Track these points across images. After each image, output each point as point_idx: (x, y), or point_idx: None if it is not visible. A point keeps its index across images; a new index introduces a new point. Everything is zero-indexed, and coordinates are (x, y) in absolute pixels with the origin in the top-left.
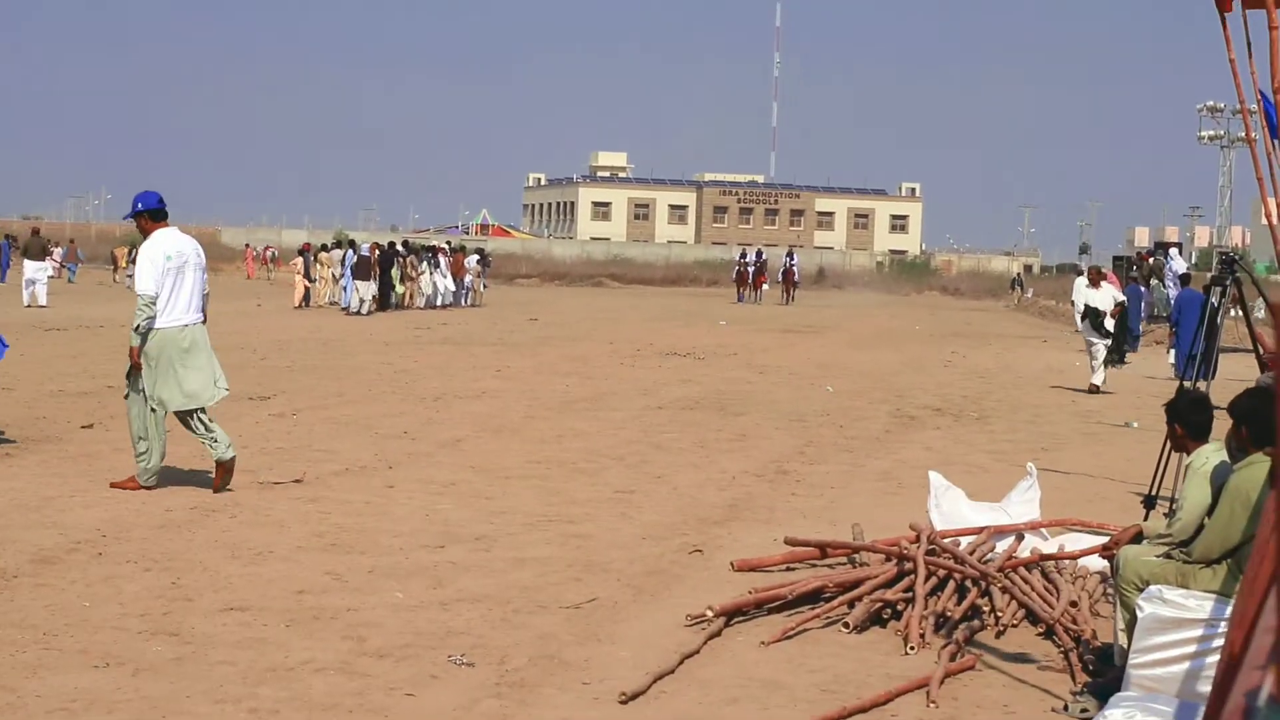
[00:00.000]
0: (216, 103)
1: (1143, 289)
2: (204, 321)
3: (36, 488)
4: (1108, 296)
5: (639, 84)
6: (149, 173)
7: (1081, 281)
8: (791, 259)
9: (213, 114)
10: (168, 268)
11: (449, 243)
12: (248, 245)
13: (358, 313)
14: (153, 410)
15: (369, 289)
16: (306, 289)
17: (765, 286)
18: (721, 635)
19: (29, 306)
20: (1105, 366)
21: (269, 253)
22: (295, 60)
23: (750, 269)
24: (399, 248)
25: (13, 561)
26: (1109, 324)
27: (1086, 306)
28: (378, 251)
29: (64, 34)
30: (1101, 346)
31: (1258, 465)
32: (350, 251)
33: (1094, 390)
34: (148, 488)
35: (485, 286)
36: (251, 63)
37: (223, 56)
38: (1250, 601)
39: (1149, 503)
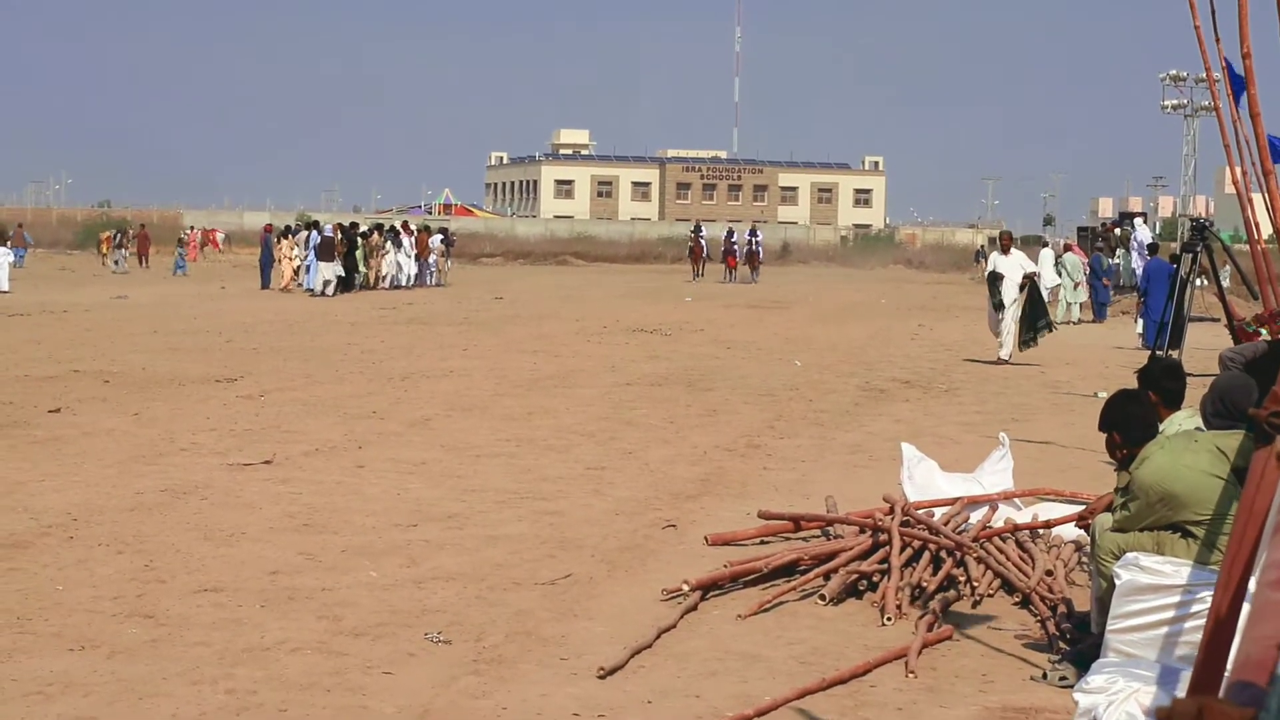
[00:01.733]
0: (177, 86)
1: (1111, 261)
2: None
3: (5, 472)
4: (1016, 265)
5: (600, 61)
6: (110, 157)
7: (995, 254)
8: (755, 236)
9: (173, 98)
10: None
11: (422, 223)
12: (191, 228)
13: (322, 294)
14: None
15: (333, 270)
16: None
17: (738, 265)
18: (698, 609)
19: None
20: (1023, 339)
21: (217, 235)
22: (255, 43)
23: (722, 248)
24: (364, 228)
25: None
26: (1009, 294)
27: (990, 273)
28: (339, 233)
29: (22, 16)
30: (1008, 317)
31: (1227, 437)
32: (315, 233)
33: (1000, 362)
34: None
35: (450, 266)
36: (212, 46)
37: (183, 40)
38: (1237, 564)
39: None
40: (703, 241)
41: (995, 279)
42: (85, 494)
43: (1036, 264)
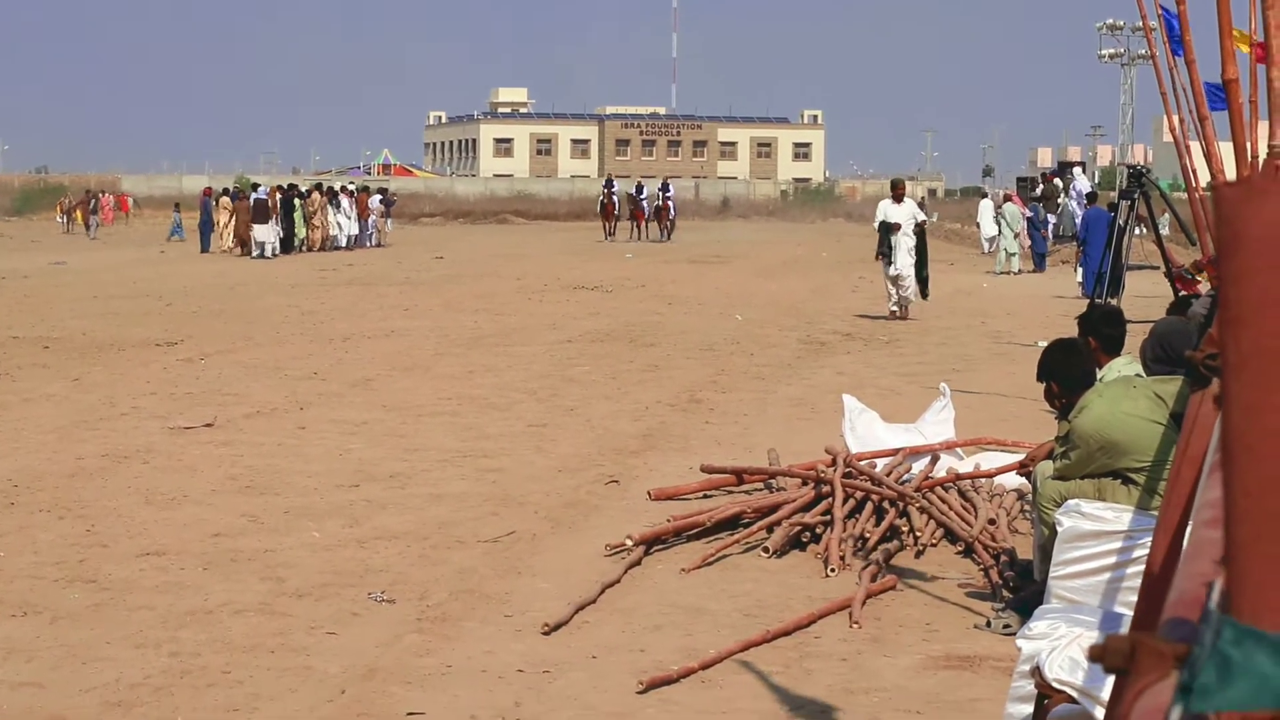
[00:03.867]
0: (113, 50)
1: (1049, 216)
2: None
3: None
4: (908, 213)
5: (538, 19)
6: (45, 121)
7: (885, 202)
8: (667, 191)
9: (109, 60)
10: None
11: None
12: (103, 193)
13: (260, 256)
14: None
15: (268, 232)
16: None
17: (645, 223)
18: (641, 564)
19: None
20: (906, 293)
21: (127, 199)
22: (192, 5)
23: (627, 202)
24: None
25: None
26: (903, 244)
27: (881, 223)
28: (278, 194)
29: None
30: (900, 267)
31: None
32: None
33: (893, 316)
34: None
35: (390, 226)
36: (148, 9)
37: (118, 3)
38: (1173, 507)
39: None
40: (615, 198)
41: (886, 229)
42: (26, 460)
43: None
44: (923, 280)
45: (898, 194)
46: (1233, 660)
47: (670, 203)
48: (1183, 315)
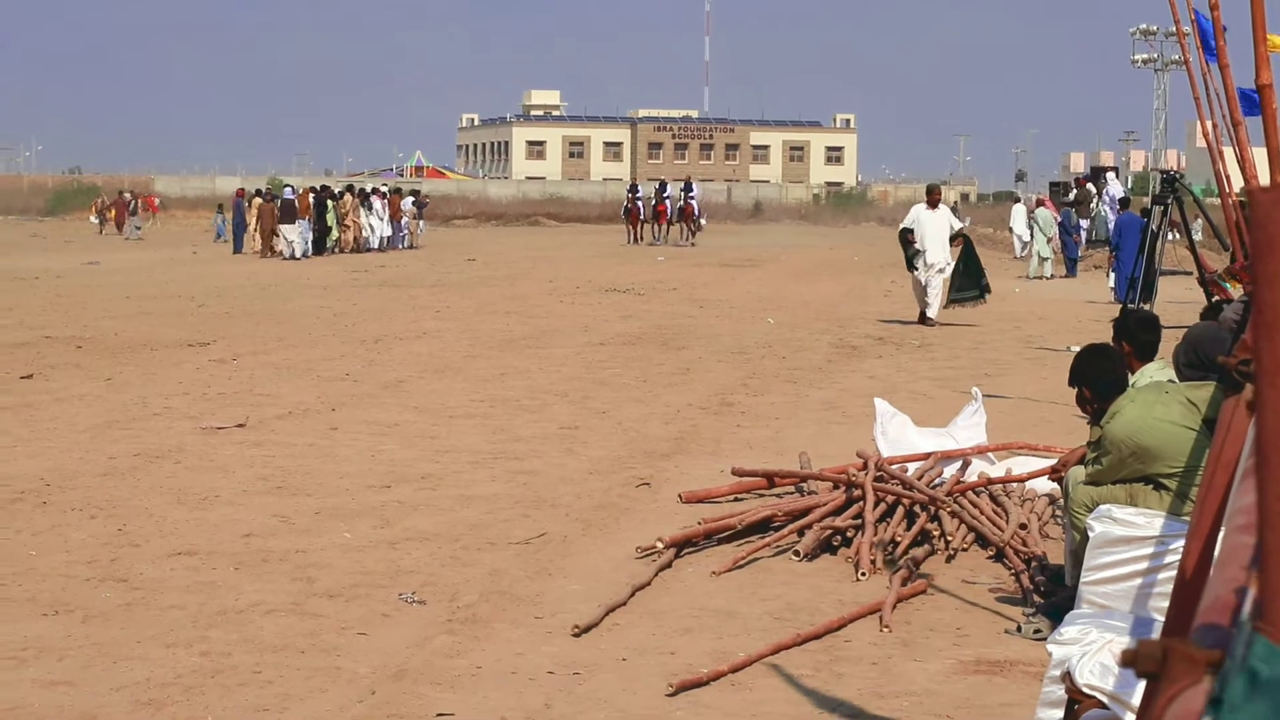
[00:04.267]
0: (147, 51)
1: (1081, 221)
2: None
3: None
4: (943, 221)
5: (571, 21)
6: (80, 122)
7: (919, 206)
8: (690, 191)
9: (144, 62)
10: None
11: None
12: (121, 193)
13: (291, 257)
14: None
15: (295, 232)
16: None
17: (667, 224)
18: (672, 567)
19: None
20: (954, 297)
21: (154, 200)
22: (226, 8)
23: (651, 203)
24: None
25: None
26: (934, 254)
27: (903, 229)
28: (311, 195)
29: None
30: (928, 275)
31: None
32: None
33: (923, 321)
34: None
35: (422, 229)
36: (183, 11)
37: (154, 5)
38: (1206, 512)
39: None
40: (639, 203)
41: (905, 236)
42: (58, 459)
43: (1010, 220)
44: (976, 290)
45: (933, 199)
46: (1260, 676)
47: (694, 203)
48: (1215, 321)
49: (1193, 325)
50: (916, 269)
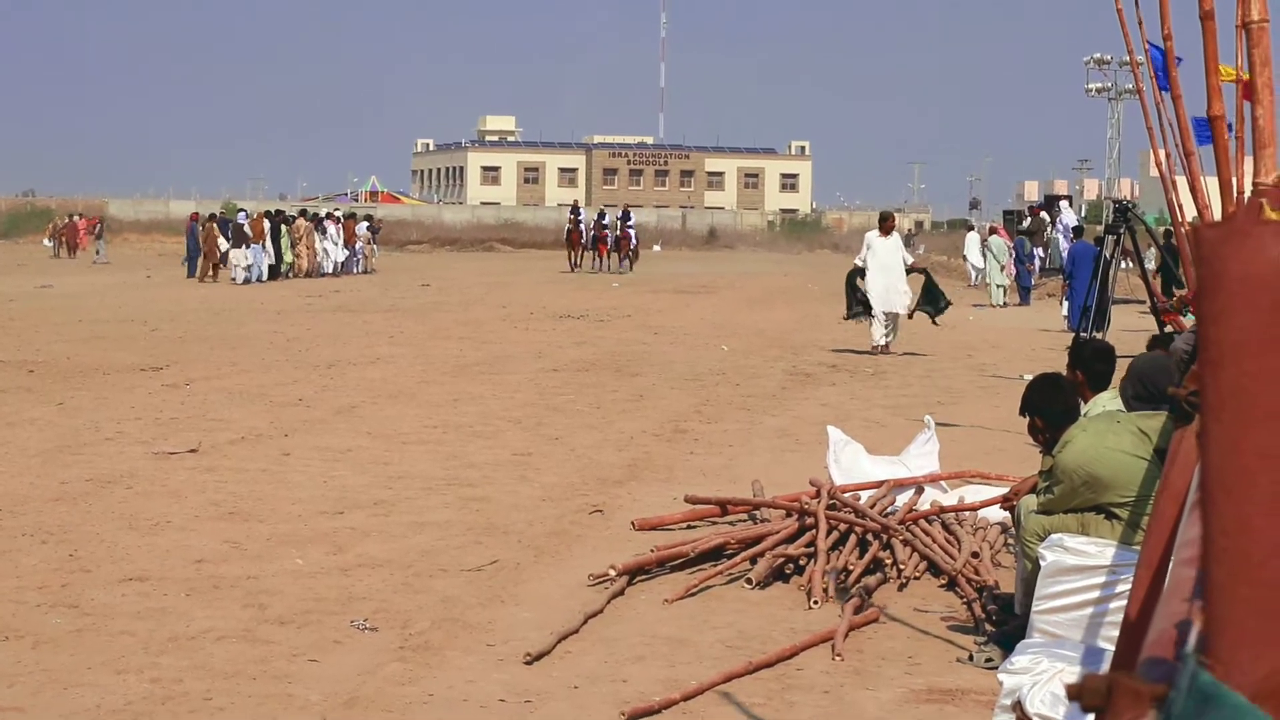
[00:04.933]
0: (101, 74)
1: (1035, 250)
2: None
3: None
4: (896, 250)
5: (526, 47)
6: (33, 145)
7: (872, 234)
8: (628, 220)
9: (99, 86)
10: None
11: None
12: (79, 216)
13: (246, 281)
14: None
15: (244, 256)
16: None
17: (607, 253)
18: (624, 594)
19: None
20: (924, 309)
21: (95, 225)
22: (179, 30)
23: (589, 230)
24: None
25: None
26: (883, 289)
27: (852, 272)
28: (265, 221)
29: None
30: (894, 306)
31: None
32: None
33: (875, 351)
34: None
35: (377, 253)
36: (135, 33)
37: (106, 26)
38: (1155, 543)
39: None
40: (582, 226)
41: (854, 275)
42: (9, 484)
43: (964, 248)
44: (938, 308)
45: (886, 227)
46: (1205, 710)
47: (631, 231)
48: (1165, 350)
49: (1138, 356)
50: (859, 317)
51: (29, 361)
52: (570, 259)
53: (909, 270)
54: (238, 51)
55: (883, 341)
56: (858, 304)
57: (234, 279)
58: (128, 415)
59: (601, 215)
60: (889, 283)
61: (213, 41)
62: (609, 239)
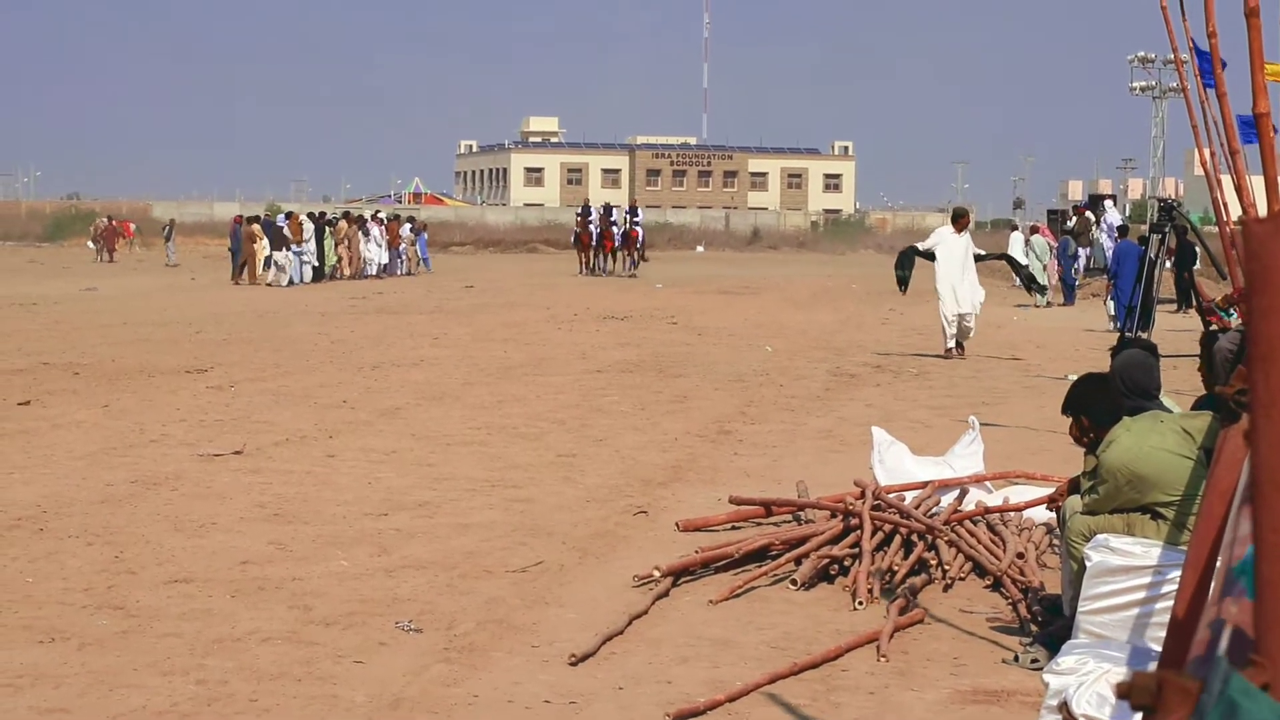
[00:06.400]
0: (145, 77)
1: (1079, 250)
2: None
3: None
4: (968, 249)
5: (569, 48)
6: (78, 148)
7: (945, 229)
8: (635, 216)
9: (143, 88)
10: None
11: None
12: (108, 219)
13: (290, 283)
14: None
15: (285, 258)
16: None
17: (613, 252)
18: (669, 595)
19: None
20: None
21: (129, 225)
22: (225, 35)
23: (595, 229)
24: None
25: None
26: (957, 289)
27: (912, 248)
28: (309, 223)
29: None
30: (952, 304)
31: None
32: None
33: (948, 355)
34: None
35: (422, 254)
36: (181, 38)
37: (150, 29)
38: (1202, 542)
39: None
40: (592, 227)
41: (913, 253)
42: (55, 486)
43: (1008, 248)
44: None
45: (960, 224)
46: (1239, 709)
47: (638, 229)
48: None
49: (1121, 354)
50: (956, 300)
51: (74, 364)
52: (581, 262)
53: (984, 258)
54: (282, 54)
55: (952, 344)
56: (906, 272)
57: (268, 282)
58: (172, 417)
59: (608, 210)
60: (957, 283)
61: (258, 44)
62: (615, 236)
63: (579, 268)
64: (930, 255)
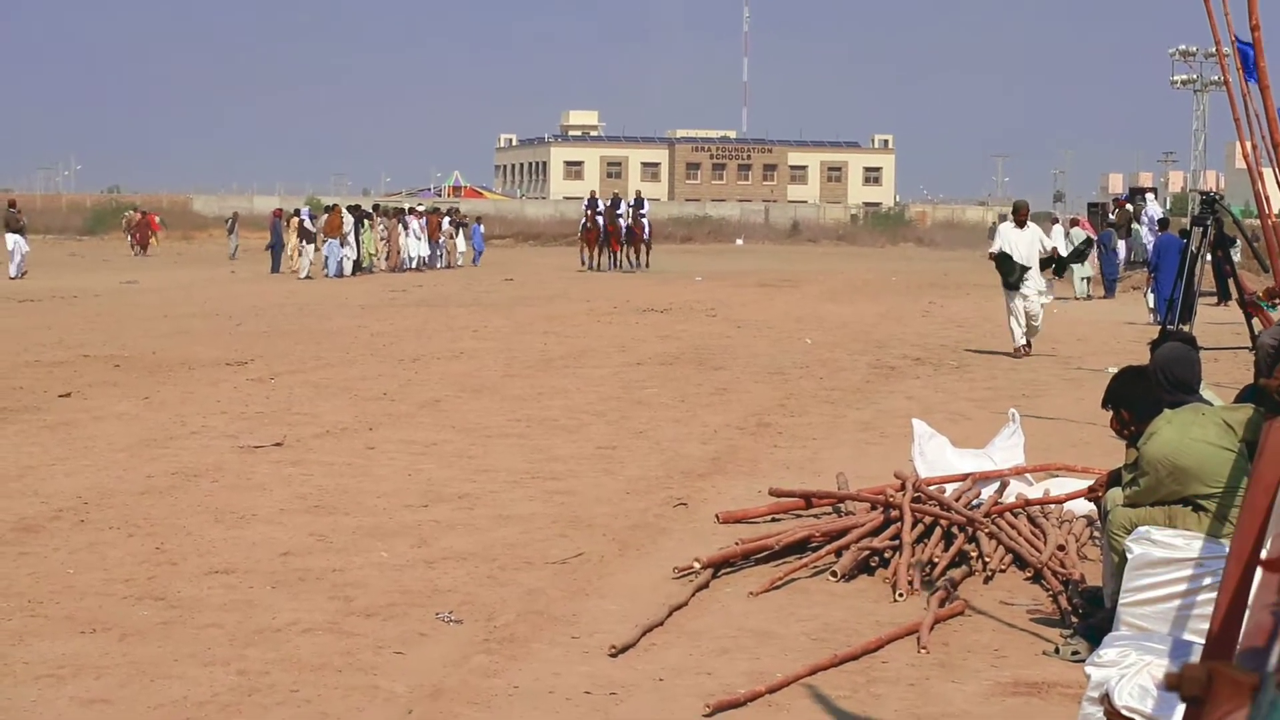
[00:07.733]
0: (186, 70)
1: (1120, 242)
2: None
3: (16, 457)
4: (1034, 241)
5: (609, 41)
6: (118, 142)
7: (1005, 225)
8: (640, 208)
9: (182, 81)
10: None
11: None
12: (138, 211)
13: (326, 275)
14: None
15: (313, 252)
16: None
17: (620, 247)
18: (709, 587)
19: (15, 278)
20: (1024, 322)
21: (155, 218)
22: (264, 27)
23: (606, 219)
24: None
25: None
26: (1032, 283)
27: (1000, 253)
28: (349, 216)
29: (31, 3)
30: (1020, 301)
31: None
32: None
33: (1019, 353)
34: None
35: (461, 247)
36: (221, 29)
37: (191, 23)
38: (1246, 535)
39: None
40: (599, 220)
41: (1006, 262)
42: (96, 477)
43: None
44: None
45: (1020, 218)
46: None
47: (644, 221)
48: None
49: (1161, 348)
50: (1018, 290)
51: (115, 356)
52: (585, 258)
53: (1046, 264)
54: (322, 47)
55: (1023, 342)
56: (1011, 269)
57: (297, 274)
58: (213, 409)
59: (615, 202)
60: (1030, 281)
61: (298, 37)
62: (620, 231)
63: (580, 263)
64: (1005, 257)
